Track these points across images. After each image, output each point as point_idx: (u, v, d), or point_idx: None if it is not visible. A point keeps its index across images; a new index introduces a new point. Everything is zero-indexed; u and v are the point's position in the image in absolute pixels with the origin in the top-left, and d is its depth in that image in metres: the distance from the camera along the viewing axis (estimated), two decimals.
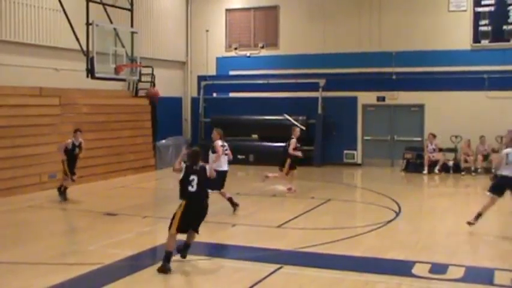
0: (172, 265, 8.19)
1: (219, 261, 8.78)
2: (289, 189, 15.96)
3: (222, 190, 12.73)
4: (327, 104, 23.11)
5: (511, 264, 8.90)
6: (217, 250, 9.89)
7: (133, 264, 8.84)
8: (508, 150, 11.12)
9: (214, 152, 12.74)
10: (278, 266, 8.44)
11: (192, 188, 8.42)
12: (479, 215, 10.97)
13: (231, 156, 13.17)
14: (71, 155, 14.48)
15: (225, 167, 12.82)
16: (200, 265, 8.73)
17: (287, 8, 24.37)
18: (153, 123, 21.75)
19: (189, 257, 8.62)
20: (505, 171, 10.93)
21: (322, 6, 23.63)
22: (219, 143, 12.86)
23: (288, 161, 15.70)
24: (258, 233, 11.29)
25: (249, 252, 8.62)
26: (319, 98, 23.11)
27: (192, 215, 8.44)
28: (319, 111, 23.10)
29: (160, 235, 9.58)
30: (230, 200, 12.84)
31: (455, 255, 9.36)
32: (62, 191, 14.53)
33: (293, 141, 15.78)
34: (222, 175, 12.37)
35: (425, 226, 12.26)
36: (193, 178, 8.44)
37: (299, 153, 15.99)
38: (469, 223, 10.93)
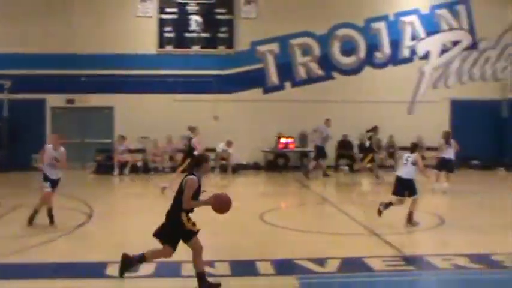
0: None
1: None
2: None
3: None
4: (14, 106, 22.07)
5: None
6: None
7: None
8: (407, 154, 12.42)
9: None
10: None
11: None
12: (409, 216, 11.98)
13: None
14: None
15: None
16: None
17: None
18: None
19: None
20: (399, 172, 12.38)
21: (9, 5, 22.48)
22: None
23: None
24: None
25: None
26: (5, 100, 21.98)
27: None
28: (5, 113, 21.96)
29: None
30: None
31: None
32: None
33: (195, 141, 16.55)
34: None
35: (118, 226, 12.54)
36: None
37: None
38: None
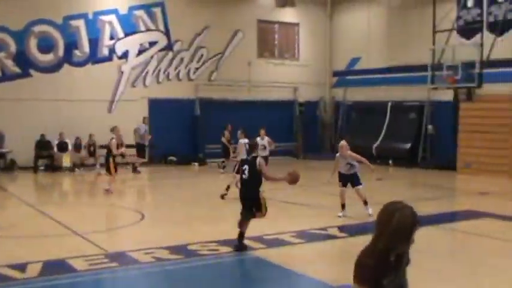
0: None
1: None
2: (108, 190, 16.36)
3: None
4: None
5: None
6: None
7: None
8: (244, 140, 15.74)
9: None
10: None
11: (245, 176, 9.86)
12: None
13: None
14: None
15: None
16: None
17: None
18: None
19: None
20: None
21: None
22: None
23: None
24: None
25: None
26: None
27: (245, 198, 9.93)
28: None
29: None
30: None
31: None
32: None
33: (113, 142, 16.64)
34: None
35: None
36: (246, 167, 9.87)
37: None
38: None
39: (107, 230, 11.93)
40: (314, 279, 8.71)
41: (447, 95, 23.34)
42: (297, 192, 16.97)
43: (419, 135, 24.81)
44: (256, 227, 11.68)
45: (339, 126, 28.98)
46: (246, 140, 15.83)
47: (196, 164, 24.56)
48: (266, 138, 18.59)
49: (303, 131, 27.72)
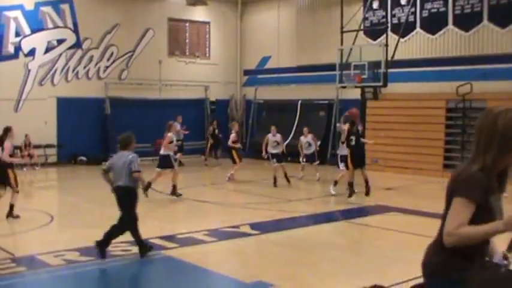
0: None
1: None
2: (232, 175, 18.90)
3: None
4: None
5: None
6: None
7: None
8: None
9: None
10: None
11: (353, 142, 15.08)
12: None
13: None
14: None
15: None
16: None
17: None
18: None
19: None
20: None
21: None
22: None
23: (233, 152, 19.04)
24: None
25: None
26: None
27: (355, 158, 15.14)
28: None
29: None
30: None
31: None
32: None
33: (232, 136, 19.19)
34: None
35: None
36: (352, 138, 15.06)
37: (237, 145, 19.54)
38: None
39: (14, 233, 11.59)
40: (228, 277, 8.83)
41: (355, 94, 24.06)
42: (208, 190, 17.06)
43: (328, 133, 25.44)
44: (168, 226, 11.70)
45: (249, 125, 29.27)
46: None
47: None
48: (310, 136, 20.29)
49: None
